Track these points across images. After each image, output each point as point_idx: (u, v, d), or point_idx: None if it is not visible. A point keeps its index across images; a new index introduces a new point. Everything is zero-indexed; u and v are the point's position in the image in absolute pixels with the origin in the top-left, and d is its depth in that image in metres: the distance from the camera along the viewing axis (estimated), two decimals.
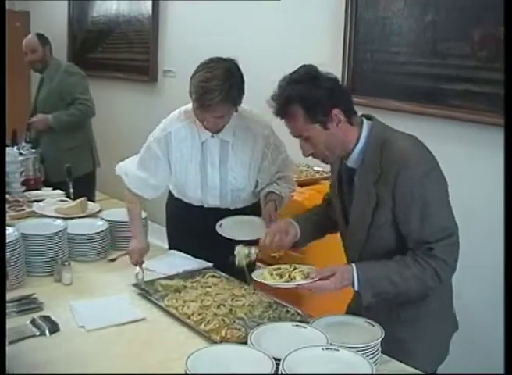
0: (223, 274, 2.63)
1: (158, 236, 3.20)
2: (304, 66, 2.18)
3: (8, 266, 2.28)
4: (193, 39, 5.25)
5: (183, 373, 1.73)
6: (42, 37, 4.89)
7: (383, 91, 3.76)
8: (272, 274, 2.21)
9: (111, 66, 6.42)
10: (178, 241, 2.97)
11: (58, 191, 3.73)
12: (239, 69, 2.66)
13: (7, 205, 3.27)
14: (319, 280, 2.07)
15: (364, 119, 2.18)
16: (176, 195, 3.01)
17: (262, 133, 2.83)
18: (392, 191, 2.05)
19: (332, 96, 2.08)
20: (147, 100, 6.04)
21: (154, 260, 2.81)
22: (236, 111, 2.74)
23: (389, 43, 3.73)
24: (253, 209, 2.90)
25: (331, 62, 3.97)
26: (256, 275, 2.25)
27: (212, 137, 2.80)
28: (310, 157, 2.20)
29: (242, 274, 2.52)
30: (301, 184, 3.62)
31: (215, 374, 1.76)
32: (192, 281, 2.57)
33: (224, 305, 2.33)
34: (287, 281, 2.14)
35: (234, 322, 2.21)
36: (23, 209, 3.33)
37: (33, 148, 4.10)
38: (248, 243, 2.54)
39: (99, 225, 2.97)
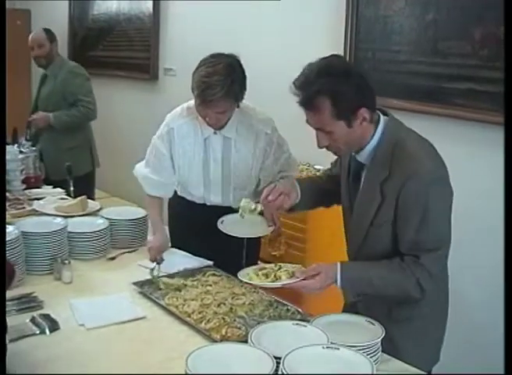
0: (224, 273, 2.63)
1: None
2: (334, 56, 2.15)
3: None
4: (193, 37, 5.24)
5: (184, 371, 1.72)
6: (49, 33, 4.87)
7: (384, 89, 3.74)
8: (257, 275, 2.24)
9: (111, 64, 6.41)
10: (180, 239, 2.97)
11: (59, 189, 3.72)
12: (240, 65, 2.67)
13: (7, 203, 3.26)
14: (304, 279, 2.11)
15: (381, 115, 2.15)
16: (178, 193, 3.01)
17: (264, 131, 2.83)
18: (398, 194, 2.04)
19: (361, 94, 2.04)
20: (148, 98, 6.04)
21: None
22: (238, 107, 2.74)
23: (390, 42, 3.73)
24: None
25: None
26: (242, 275, 2.26)
27: (215, 133, 2.80)
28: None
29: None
30: None
31: (215, 374, 1.75)
32: (192, 280, 2.57)
33: (224, 304, 2.33)
34: (273, 281, 2.17)
35: (234, 320, 2.21)
36: (24, 207, 3.33)
37: (33, 145, 4.09)
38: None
39: (99, 223, 2.96)
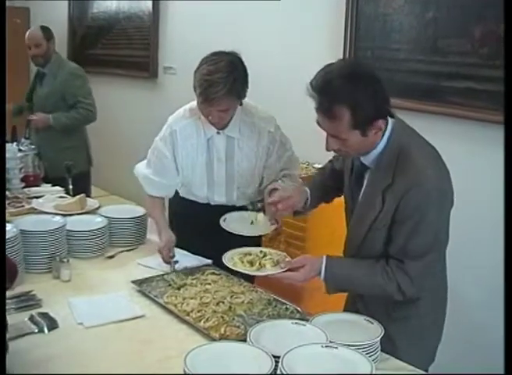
0: (223, 271, 2.62)
1: None
2: (356, 60, 2.12)
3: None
4: (193, 36, 5.24)
5: (182, 370, 1.72)
6: (46, 30, 4.84)
7: None
8: (242, 261, 2.29)
9: (111, 62, 6.41)
10: (182, 238, 2.96)
11: (58, 188, 3.72)
12: (242, 62, 2.67)
13: (6, 202, 3.26)
14: (289, 270, 2.15)
15: (389, 119, 2.11)
16: (181, 194, 3.01)
17: (267, 129, 2.84)
18: (399, 202, 2.04)
19: (380, 105, 2.01)
20: (148, 96, 6.04)
21: (153, 257, 2.80)
22: (241, 104, 2.74)
23: (389, 40, 3.72)
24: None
25: (331, 59, 3.94)
26: (227, 259, 2.31)
27: (218, 133, 2.80)
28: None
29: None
30: None
31: (212, 374, 1.75)
32: (192, 278, 2.57)
33: (223, 303, 2.32)
34: (258, 269, 2.24)
35: (233, 319, 2.21)
36: (23, 206, 3.33)
37: (31, 144, 4.08)
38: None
39: (98, 222, 2.96)
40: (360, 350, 1.87)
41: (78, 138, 4.92)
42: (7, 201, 3.29)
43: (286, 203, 2.42)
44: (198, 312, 2.25)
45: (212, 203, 2.93)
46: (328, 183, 2.53)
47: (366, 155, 2.14)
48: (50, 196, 3.44)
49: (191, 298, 2.36)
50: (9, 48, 5.42)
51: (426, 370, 2.20)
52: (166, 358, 1.99)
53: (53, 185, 3.80)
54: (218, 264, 2.70)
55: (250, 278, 2.63)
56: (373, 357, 1.91)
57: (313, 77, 2.04)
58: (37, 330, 2.15)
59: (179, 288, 2.46)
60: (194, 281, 2.54)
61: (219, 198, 2.92)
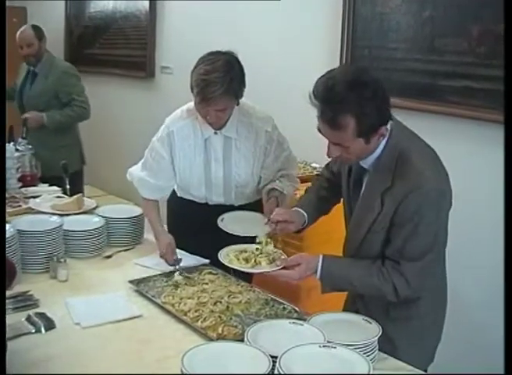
0: (220, 271, 2.62)
1: None
2: (360, 67, 2.08)
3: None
4: (190, 35, 5.24)
5: (180, 370, 1.72)
6: (37, 29, 4.81)
7: None
8: (238, 258, 2.30)
9: (108, 62, 6.40)
10: (179, 238, 2.96)
11: (55, 188, 3.72)
12: (238, 62, 2.66)
13: None
14: (285, 268, 2.16)
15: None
16: (178, 195, 3.00)
17: (265, 129, 2.83)
18: (398, 205, 2.03)
19: (384, 113, 1.99)
20: (145, 96, 6.03)
21: (151, 257, 2.81)
22: (238, 104, 2.73)
23: (386, 39, 3.72)
24: (256, 206, 2.89)
25: (329, 58, 3.97)
26: (222, 256, 2.32)
27: (215, 133, 2.79)
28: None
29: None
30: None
31: (210, 374, 1.75)
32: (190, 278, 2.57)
33: (221, 302, 2.32)
34: (253, 266, 2.25)
35: (231, 319, 2.21)
36: (20, 206, 3.33)
37: (28, 143, 4.07)
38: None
39: (95, 221, 2.95)
40: (358, 350, 1.86)
41: (71, 137, 4.92)
42: None
43: (285, 226, 2.42)
44: (196, 311, 2.25)
45: (210, 203, 2.93)
46: (325, 195, 2.53)
47: (364, 159, 2.13)
48: (47, 196, 3.44)
49: (188, 298, 2.36)
50: (7, 48, 5.41)
51: (425, 370, 2.20)
52: (164, 358, 1.99)
53: (51, 185, 3.79)
54: (216, 264, 2.71)
55: (247, 278, 2.63)
56: (371, 357, 1.91)
57: (314, 85, 1.99)
58: (34, 331, 2.14)
59: (176, 288, 2.47)
60: (191, 281, 2.54)
61: (217, 198, 2.92)
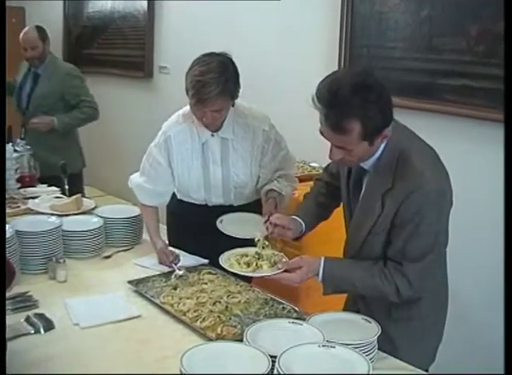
0: (219, 271, 2.62)
1: None
2: (364, 71, 2.04)
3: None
4: (188, 36, 5.23)
5: (179, 370, 1.72)
6: (41, 31, 4.76)
7: None
8: (239, 263, 2.29)
9: (106, 62, 6.40)
10: (179, 239, 2.96)
11: (53, 188, 3.71)
12: (233, 63, 2.67)
13: None
14: (286, 271, 2.15)
15: None
16: (178, 197, 3.00)
17: (262, 128, 2.83)
18: (399, 206, 2.02)
19: (387, 115, 1.97)
20: (143, 96, 6.03)
21: (150, 257, 2.80)
22: (233, 105, 2.73)
23: (385, 38, 3.72)
24: (255, 206, 2.90)
25: (327, 58, 3.97)
26: (223, 261, 2.31)
27: (212, 136, 2.79)
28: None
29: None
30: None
31: (209, 374, 1.74)
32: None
33: (220, 302, 2.32)
34: (254, 270, 2.24)
35: (230, 319, 2.20)
36: (19, 206, 3.32)
37: (26, 144, 4.06)
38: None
39: (94, 222, 2.95)
40: (357, 349, 1.86)
41: (70, 138, 4.87)
42: None
43: (282, 232, 2.41)
44: (195, 311, 2.25)
45: (210, 204, 2.93)
46: (323, 201, 2.52)
47: (365, 161, 2.12)
48: (46, 196, 3.43)
49: (187, 298, 2.36)
50: (6, 48, 5.39)
51: (426, 370, 2.20)
52: (163, 358, 1.99)
53: (50, 185, 3.78)
54: (215, 264, 2.71)
55: (246, 277, 2.62)
56: (370, 356, 1.91)
57: (317, 89, 1.96)
58: (33, 331, 2.15)
59: (175, 288, 2.46)
60: (191, 281, 2.54)
61: (217, 200, 2.92)
